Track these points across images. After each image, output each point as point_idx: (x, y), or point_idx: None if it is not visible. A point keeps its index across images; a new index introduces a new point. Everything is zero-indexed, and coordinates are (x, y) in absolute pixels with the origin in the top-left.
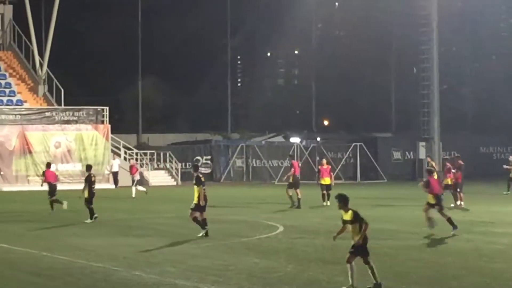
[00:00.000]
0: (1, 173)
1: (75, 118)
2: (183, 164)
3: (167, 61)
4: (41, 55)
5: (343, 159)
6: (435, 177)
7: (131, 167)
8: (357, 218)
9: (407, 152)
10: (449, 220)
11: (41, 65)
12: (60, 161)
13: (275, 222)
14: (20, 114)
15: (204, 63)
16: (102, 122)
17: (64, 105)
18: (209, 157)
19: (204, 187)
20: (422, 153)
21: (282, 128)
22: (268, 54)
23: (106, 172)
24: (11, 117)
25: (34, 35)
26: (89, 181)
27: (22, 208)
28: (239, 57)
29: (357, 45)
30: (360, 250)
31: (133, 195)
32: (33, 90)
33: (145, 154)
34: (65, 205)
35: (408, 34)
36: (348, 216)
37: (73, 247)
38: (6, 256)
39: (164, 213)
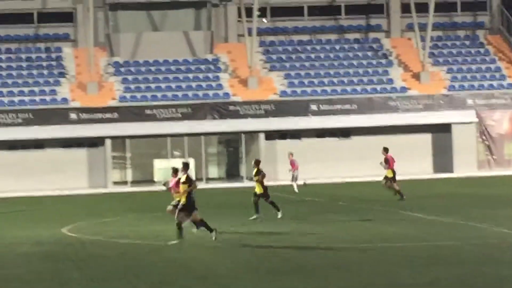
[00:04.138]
0: (494, 157)
1: None
2: None
3: None
4: None
5: None
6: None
7: (292, 162)
8: None
9: None
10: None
11: None
12: None
13: None
14: (511, 98)
15: None
16: None
17: None
18: None
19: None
20: None
21: None
22: None
23: None
24: (502, 101)
25: None
26: None
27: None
28: None
29: None
30: None
31: (296, 190)
32: None
33: None
34: None
35: None
36: None
37: None
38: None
39: None
